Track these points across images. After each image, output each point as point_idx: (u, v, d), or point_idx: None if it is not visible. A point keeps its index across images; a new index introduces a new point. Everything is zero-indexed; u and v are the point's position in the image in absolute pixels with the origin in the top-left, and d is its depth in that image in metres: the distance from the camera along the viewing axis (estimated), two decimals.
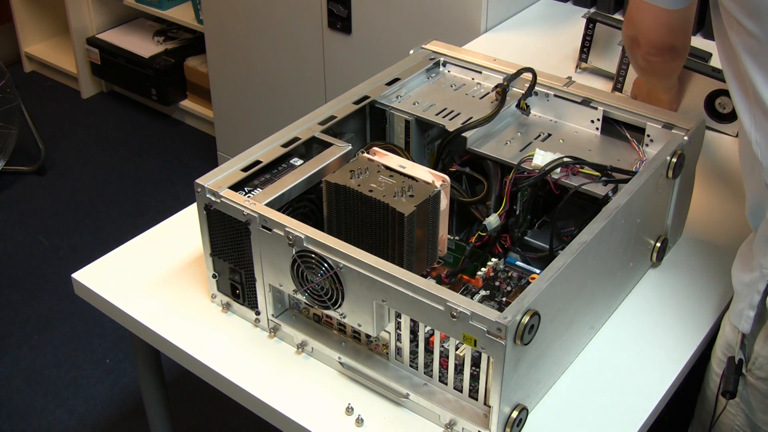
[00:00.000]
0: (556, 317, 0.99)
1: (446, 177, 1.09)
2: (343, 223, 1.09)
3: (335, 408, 1.04)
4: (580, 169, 1.16)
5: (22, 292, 2.56)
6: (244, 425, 2.11)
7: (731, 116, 1.56)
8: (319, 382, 1.08)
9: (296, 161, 1.16)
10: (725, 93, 1.55)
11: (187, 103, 3.32)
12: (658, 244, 1.23)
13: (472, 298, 1.08)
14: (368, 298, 0.99)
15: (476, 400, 0.99)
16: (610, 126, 1.26)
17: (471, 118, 1.26)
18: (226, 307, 1.18)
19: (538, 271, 1.16)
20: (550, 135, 1.27)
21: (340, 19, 2.25)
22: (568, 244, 0.99)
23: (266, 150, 1.16)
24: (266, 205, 1.06)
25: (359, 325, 1.02)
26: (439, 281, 1.15)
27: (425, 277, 1.10)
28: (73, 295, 1.29)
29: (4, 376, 2.27)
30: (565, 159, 1.17)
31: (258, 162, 1.14)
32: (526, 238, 1.24)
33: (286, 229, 1.02)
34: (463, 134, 1.22)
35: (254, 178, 1.12)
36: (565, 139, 1.26)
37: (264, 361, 1.11)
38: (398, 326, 1.02)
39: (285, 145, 1.17)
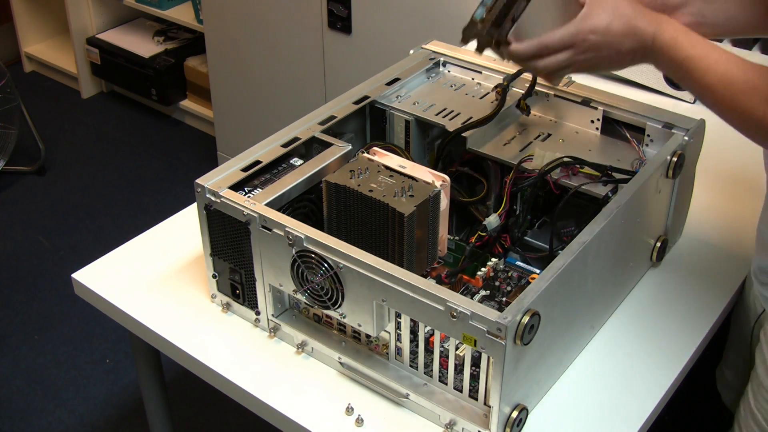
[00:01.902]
0: (556, 317, 0.99)
1: (446, 177, 1.09)
2: (343, 223, 1.09)
3: (335, 408, 1.04)
4: (580, 169, 1.16)
5: (22, 292, 2.56)
6: (244, 425, 2.11)
7: None
8: (319, 382, 1.08)
9: (296, 161, 1.16)
10: None
11: (187, 103, 3.32)
12: (658, 244, 1.23)
13: (472, 298, 1.08)
14: (368, 298, 0.99)
15: (476, 400, 0.99)
16: (610, 126, 1.26)
17: (471, 118, 1.26)
18: (226, 307, 1.18)
19: (538, 271, 1.16)
20: (550, 135, 1.27)
21: (340, 19, 2.25)
22: (568, 244, 0.99)
23: (266, 150, 1.16)
24: (266, 205, 1.06)
25: (359, 325, 1.02)
26: (439, 281, 1.14)
27: (425, 277, 1.10)
28: (73, 295, 1.29)
29: (4, 376, 2.27)
30: (565, 159, 1.17)
31: (258, 162, 1.14)
32: (526, 238, 1.24)
33: (286, 229, 1.02)
34: (463, 134, 1.22)
35: (254, 178, 1.12)
36: (565, 139, 1.26)
37: (264, 361, 1.11)
38: (398, 326, 1.02)
39: (285, 145, 1.17)
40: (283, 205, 1.10)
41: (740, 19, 1.09)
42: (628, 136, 1.24)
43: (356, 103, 1.27)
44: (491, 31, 0.98)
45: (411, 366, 1.04)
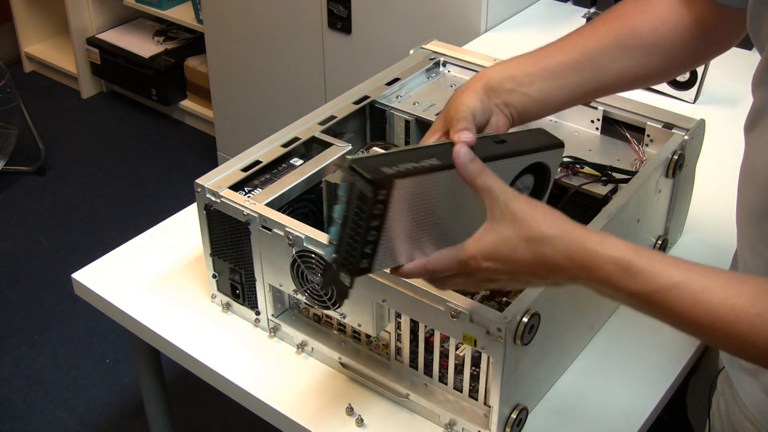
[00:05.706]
0: (556, 317, 0.99)
1: None
2: None
3: (335, 408, 1.04)
4: (580, 169, 1.16)
5: (22, 292, 2.56)
6: (244, 425, 2.10)
7: (689, 84, 1.67)
8: (319, 382, 1.08)
9: (296, 161, 1.16)
10: None
11: (187, 103, 3.31)
12: (659, 244, 1.23)
13: (472, 298, 1.08)
14: (368, 298, 0.99)
15: (476, 400, 0.99)
16: (610, 126, 1.26)
17: None
18: (226, 307, 1.18)
19: None
20: None
21: (340, 19, 2.25)
22: None
23: (266, 150, 1.16)
24: (266, 205, 1.06)
25: (359, 325, 1.02)
26: None
27: None
28: (73, 295, 1.29)
29: (4, 376, 2.27)
30: (565, 159, 1.17)
31: (258, 162, 1.14)
32: None
33: (286, 229, 1.02)
34: None
35: (254, 178, 1.12)
36: (565, 139, 1.25)
37: (264, 361, 1.11)
38: (398, 326, 1.02)
39: (285, 145, 1.17)
40: (283, 205, 1.10)
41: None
42: (628, 136, 1.24)
43: (356, 103, 1.27)
44: (347, 268, 0.79)
45: (411, 366, 1.04)
